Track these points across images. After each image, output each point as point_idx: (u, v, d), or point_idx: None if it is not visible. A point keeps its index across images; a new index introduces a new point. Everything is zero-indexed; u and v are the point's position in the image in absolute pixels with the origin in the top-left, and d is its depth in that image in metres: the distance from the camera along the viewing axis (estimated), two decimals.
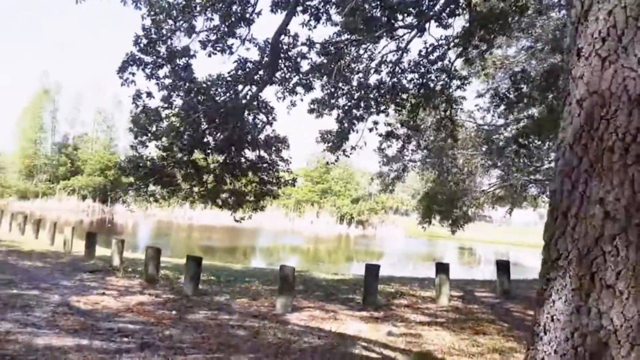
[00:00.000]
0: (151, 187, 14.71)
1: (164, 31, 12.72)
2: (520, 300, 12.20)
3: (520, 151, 16.91)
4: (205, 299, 10.31)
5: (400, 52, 13.53)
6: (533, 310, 2.70)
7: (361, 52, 13.84)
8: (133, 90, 12.93)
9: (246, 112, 14.19)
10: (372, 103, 14.40)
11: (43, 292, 9.68)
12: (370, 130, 14.97)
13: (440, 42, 13.34)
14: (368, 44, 13.47)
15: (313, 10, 12.87)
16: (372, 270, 10.94)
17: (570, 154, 2.44)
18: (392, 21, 12.53)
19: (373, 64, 13.92)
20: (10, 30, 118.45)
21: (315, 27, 13.06)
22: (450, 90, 14.41)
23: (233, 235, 44.92)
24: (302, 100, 14.48)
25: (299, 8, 12.66)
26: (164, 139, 13.69)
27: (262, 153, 15.20)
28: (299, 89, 14.23)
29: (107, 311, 8.46)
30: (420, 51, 13.65)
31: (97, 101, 78.94)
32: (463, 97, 16.07)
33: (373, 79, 14.26)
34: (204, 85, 13.25)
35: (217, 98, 13.40)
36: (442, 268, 11.74)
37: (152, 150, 14.32)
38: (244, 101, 13.70)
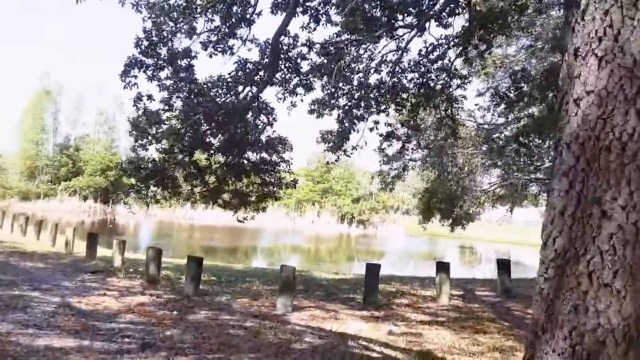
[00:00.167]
0: (152, 189, 14.72)
1: (164, 33, 12.72)
2: (521, 299, 12.20)
3: (521, 150, 16.91)
4: (206, 299, 10.32)
5: (400, 51, 13.53)
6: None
7: (361, 52, 13.84)
8: (135, 92, 12.96)
9: (247, 113, 14.20)
10: (373, 103, 14.41)
11: (44, 293, 9.70)
12: (371, 129, 14.97)
13: (440, 41, 13.34)
14: (368, 44, 13.47)
15: (313, 11, 12.88)
16: (372, 269, 10.96)
17: (568, 153, 2.45)
18: (392, 21, 12.53)
19: (373, 64, 13.93)
20: (10, 30, 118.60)
21: (315, 29, 13.09)
22: (451, 89, 14.42)
23: (234, 235, 44.95)
24: (302, 100, 14.50)
25: (299, 9, 12.67)
26: (164, 141, 13.70)
27: (264, 154, 15.23)
28: (299, 90, 14.25)
29: (108, 312, 8.48)
30: (420, 51, 13.66)
31: (99, 101, 79.11)
32: (463, 96, 16.08)
33: (373, 79, 14.30)
34: (205, 86, 13.27)
35: (217, 99, 13.41)
36: (442, 267, 11.75)
37: (153, 152, 14.34)
38: (244, 102, 13.71)
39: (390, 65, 13.79)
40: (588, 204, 2.31)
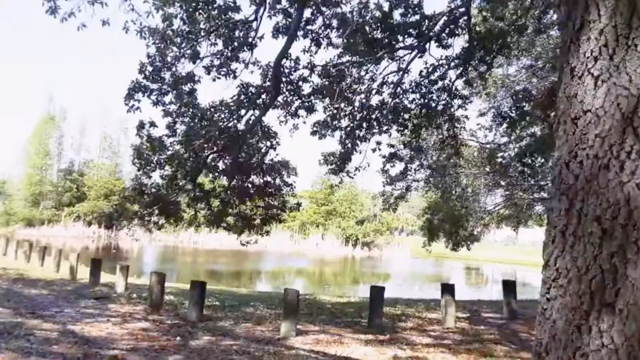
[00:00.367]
0: (155, 215, 14.70)
1: (168, 58, 12.87)
2: (527, 320, 12.08)
3: (525, 170, 16.91)
4: (210, 324, 10.25)
5: (401, 72, 13.62)
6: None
7: (362, 73, 13.93)
8: (139, 116, 13.06)
9: (249, 137, 14.25)
10: (375, 124, 14.47)
11: (47, 319, 9.65)
12: (374, 150, 15.02)
13: (440, 62, 13.45)
14: (369, 65, 13.57)
15: (314, 35, 13.02)
16: (377, 292, 10.88)
17: (567, 172, 2.45)
18: (393, 42, 12.66)
19: (374, 85, 14.01)
20: (14, 54, 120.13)
21: (316, 52, 13.21)
22: (452, 109, 14.47)
23: (238, 258, 44.81)
24: (304, 122, 14.57)
25: (300, 33, 12.80)
26: (167, 167, 13.71)
27: (267, 178, 15.25)
28: (301, 112, 14.32)
29: (111, 338, 8.42)
30: (421, 71, 13.76)
31: (103, 126, 79.18)
32: (465, 116, 16.13)
33: (375, 100, 14.35)
34: (208, 111, 13.35)
35: (220, 123, 13.48)
36: (447, 289, 11.64)
37: (156, 178, 14.36)
38: (247, 126, 13.77)
39: (392, 86, 13.88)
40: (588, 223, 2.30)
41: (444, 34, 12.73)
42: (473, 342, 9.53)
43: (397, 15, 12.55)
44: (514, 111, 15.40)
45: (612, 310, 2.16)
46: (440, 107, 14.21)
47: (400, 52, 13.18)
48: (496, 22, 13.00)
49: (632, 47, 2.30)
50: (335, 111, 14.28)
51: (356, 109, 14.39)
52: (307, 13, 12.59)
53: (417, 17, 12.45)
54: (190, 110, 13.36)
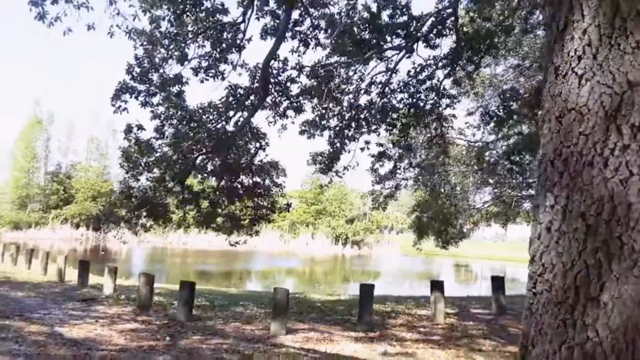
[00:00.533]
0: (143, 218, 14.65)
1: (156, 60, 12.83)
2: (516, 315, 12.16)
3: (513, 168, 17.04)
4: (199, 324, 10.23)
5: (389, 72, 13.70)
6: None
7: (351, 73, 13.98)
8: (127, 118, 13.03)
9: (238, 139, 14.24)
10: (363, 123, 14.52)
11: (35, 322, 9.58)
12: (362, 149, 15.06)
13: (428, 62, 13.53)
14: (357, 66, 13.62)
15: (302, 36, 13.05)
16: (366, 290, 10.91)
17: (552, 170, 2.49)
18: (381, 43, 12.72)
19: (363, 85, 14.09)
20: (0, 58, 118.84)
21: (304, 52, 13.25)
22: (440, 109, 14.57)
23: (228, 259, 44.70)
24: (293, 123, 14.63)
25: (288, 34, 12.82)
26: (155, 170, 13.65)
27: (257, 178, 15.24)
28: (290, 112, 14.35)
29: (100, 339, 8.38)
30: (409, 71, 13.85)
31: (91, 128, 78.72)
32: (453, 115, 16.25)
33: (363, 100, 14.43)
34: (196, 113, 13.31)
35: (209, 125, 13.45)
36: (437, 286, 11.71)
37: (144, 181, 14.30)
38: (235, 127, 13.76)
39: (380, 86, 13.95)
40: (573, 219, 2.34)
41: (431, 35, 12.82)
42: (462, 338, 9.60)
43: (385, 16, 12.63)
44: (501, 110, 15.50)
45: (597, 304, 2.21)
46: (428, 107, 14.30)
47: (389, 53, 13.25)
48: (483, 22, 13.11)
49: (615, 47, 2.35)
50: (323, 111, 14.32)
51: (345, 108, 14.44)
52: (295, 14, 12.63)
53: (405, 18, 12.53)
54: (179, 112, 13.32)
